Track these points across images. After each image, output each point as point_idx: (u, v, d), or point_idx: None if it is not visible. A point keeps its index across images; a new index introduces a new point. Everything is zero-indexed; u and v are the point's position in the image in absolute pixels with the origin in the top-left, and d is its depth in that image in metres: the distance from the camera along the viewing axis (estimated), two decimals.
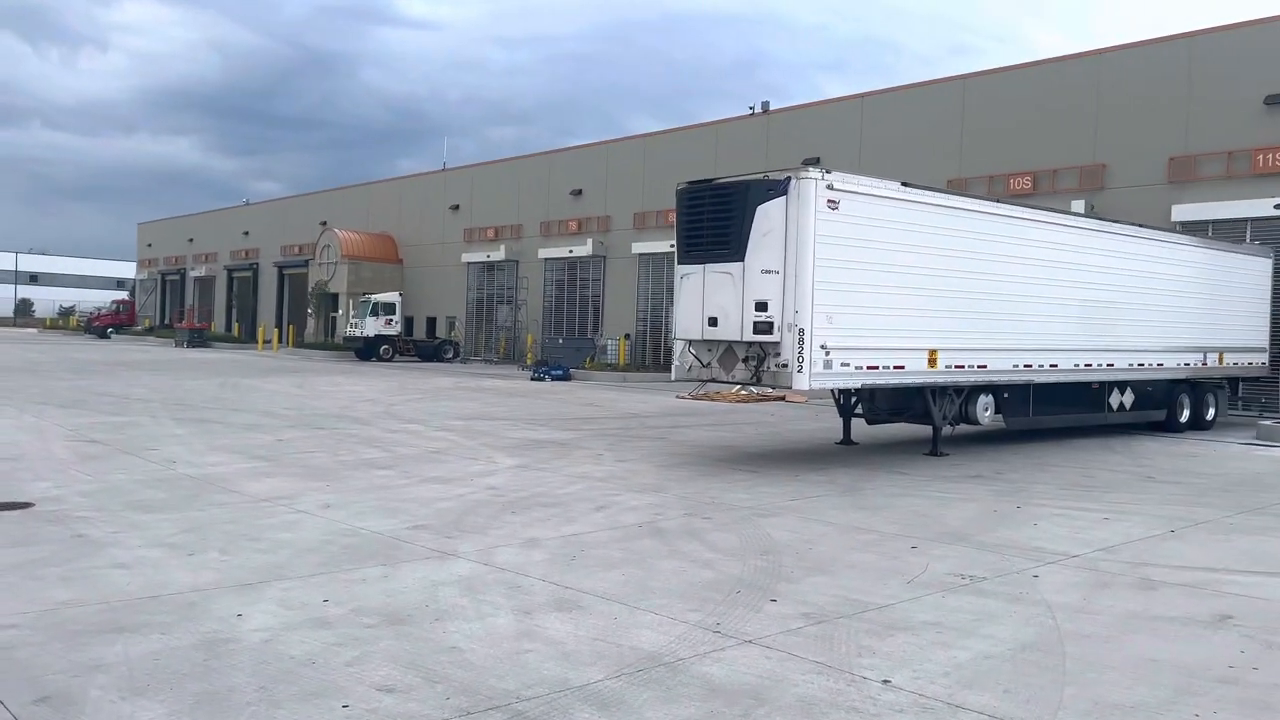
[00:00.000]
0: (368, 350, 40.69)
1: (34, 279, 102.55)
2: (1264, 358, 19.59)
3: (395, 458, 12.22)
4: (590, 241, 39.05)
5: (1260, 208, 21.39)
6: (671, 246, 34.69)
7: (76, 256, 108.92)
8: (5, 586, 5.91)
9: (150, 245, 76.01)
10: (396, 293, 43.95)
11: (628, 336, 36.31)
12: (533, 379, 30.64)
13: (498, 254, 43.57)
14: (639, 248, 37.05)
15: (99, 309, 70.31)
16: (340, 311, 48.11)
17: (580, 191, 40.34)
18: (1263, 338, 19.44)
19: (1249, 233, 21.52)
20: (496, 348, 43.40)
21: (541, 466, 11.74)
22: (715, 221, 11.70)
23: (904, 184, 12.35)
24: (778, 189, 11.20)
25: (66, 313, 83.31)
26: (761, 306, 11.16)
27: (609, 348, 35.92)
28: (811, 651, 5.06)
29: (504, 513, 8.81)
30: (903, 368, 12.33)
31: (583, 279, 40.44)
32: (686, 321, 12.12)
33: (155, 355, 39.88)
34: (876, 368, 11.99)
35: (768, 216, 11.19)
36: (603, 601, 5.95)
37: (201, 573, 6.42)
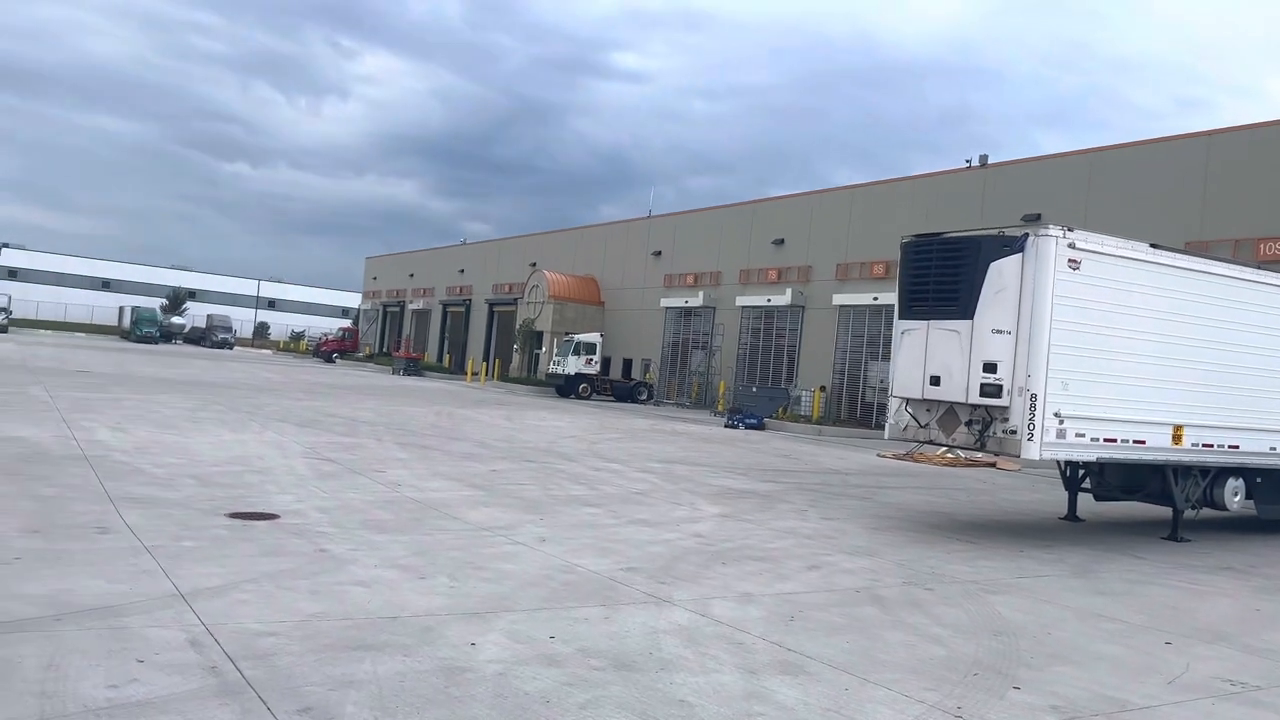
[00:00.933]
0: (568, 387, 41.90)
1: (271, 305, 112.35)
2: None
3: (601, 496, 12.38)
4: (789, 291, 38.79)
5: None
6: (874, 299, 34.35)
7: (308, 285, 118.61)
8: (263, 595, 6.32)
9: (375, 278, 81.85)
10: (598, 333, 45.15)
11: (823, 389, 35.66)
12: (726, 426, 30.55)
13: (695, 300, 44.01)
14: (839, 299, 36.47)
15: (326, 335, 76.11)
16: (544, 349, 49.91)
17: (782, 241, 40.24)
18: None
19: None
20: (689, 392, 43.68)
21: (745, 518, 11.57)
22: (943, 276, 11.26)
23: (1153, 245, 11.50)
24: (1014, 245, 10.66)
25: (297, 337, 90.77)
26: (990, 368, 10.61)
27: (803, 399, 35.39)
28: None
29: (714, 562, 8.70)
30: (1143, 442, 11.38)
31: (779, 328, 40.18)
32: (905, 379, 11.68)
33: (375, 381, 42.62)
34: (1114, 440, 11.11)
35: (1001, 274, 10.66)
36: (829, 669, 5.70)
37: (433, 597, 6.65)
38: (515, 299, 55.89)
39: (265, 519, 8.98)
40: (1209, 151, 26.16)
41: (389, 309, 77.80)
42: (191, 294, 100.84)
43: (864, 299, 35.25)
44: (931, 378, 11.21)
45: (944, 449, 19.31)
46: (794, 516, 12.01)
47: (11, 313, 67.53)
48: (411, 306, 72.87)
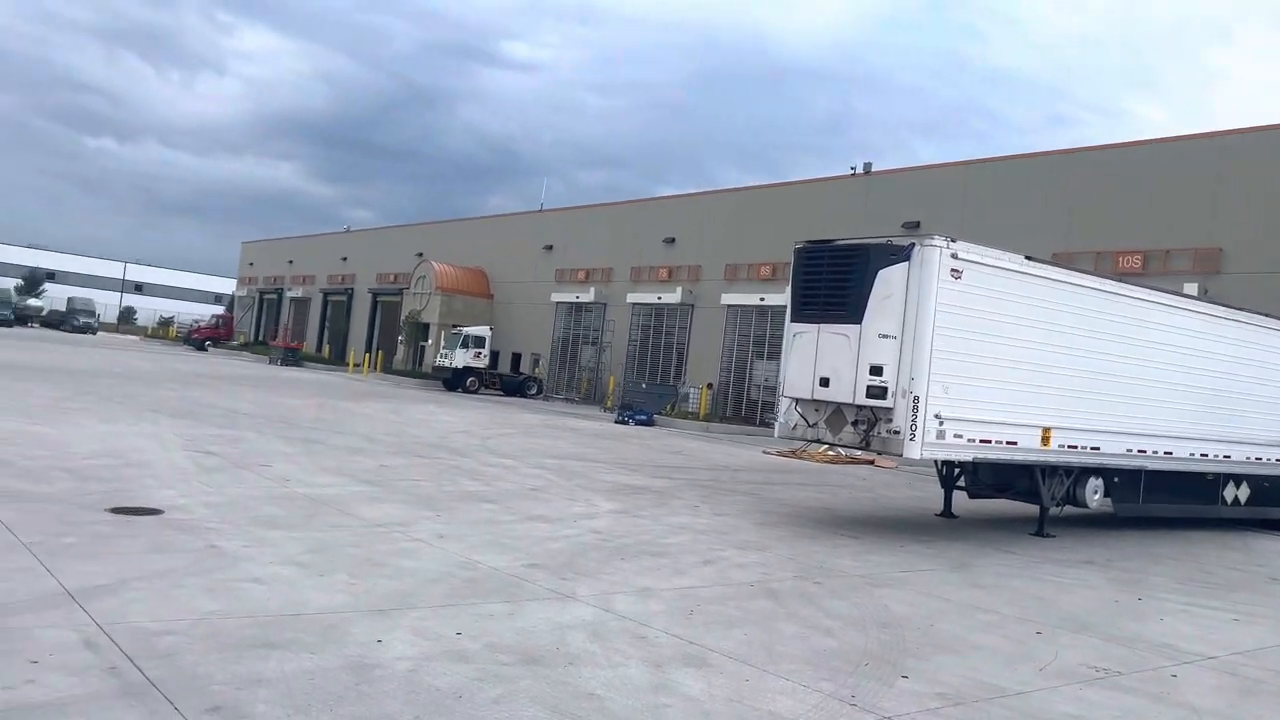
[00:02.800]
0: (455, 381, 41.37)
1: (139, 289, 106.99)
2: None
3: (497, 492, 12.36)
4: (679, 289, 39.30)
5: None
6: (760, 300, 35.16)
7: (179, 270, 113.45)
8: (156, 593, 6.13)
9: (252, 264, 78.88)
10: (487, 327, 44.72)
11: (710, 386, 36.29)
12: (617, 421, 30.77)
13: (587, 295, 44.11)
14: (728, 299, 37.15)
15: (198, 322, 72.91)
16: (430, 341, 49.13)
17: (673, 240, 40.71)
18: None
19: None
20: (578, 387, 43.76)
21: (641, 513, 11.75)
22: (833, 282, 11.68)
23: (1028, 257, 12.19)
24: (901, 254, 11.15)
25: (166, 323, 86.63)
26: (876, 371, 11.07)
27: (691, 396, 35.95)
28: None
29: (613, 558, 8.84)
30: (1015, 443, 12.07)
31: (669, 326, 40.65)
32: (796, 380, 12.07)
33: (252, 371, 41.17)
34: (989, 441, 11.75)
35: (889, 281, 11.13)
36: (730, 661, 5.91)
37: (334, 595, 6.57)
38: (401, 289, 54.79)
39: (149, 514, 8.66)
40: (1074, 167, 27.76)
41: (266, 296, 75.12)
42: (51, 275, 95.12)
43: (751, 299, 36.01)
44: (821, 379, 11.62)
45: (827, 447, 19.97)
46: (687, 512, 12.26)
47: None
48: (290, 294, 70.59)
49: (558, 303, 46.16)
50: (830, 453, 22.53)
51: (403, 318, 52.81)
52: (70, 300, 76.70)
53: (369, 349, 56.79)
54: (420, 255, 53.82)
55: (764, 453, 23.79)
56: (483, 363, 42.76)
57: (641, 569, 8.48)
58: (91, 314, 72.65)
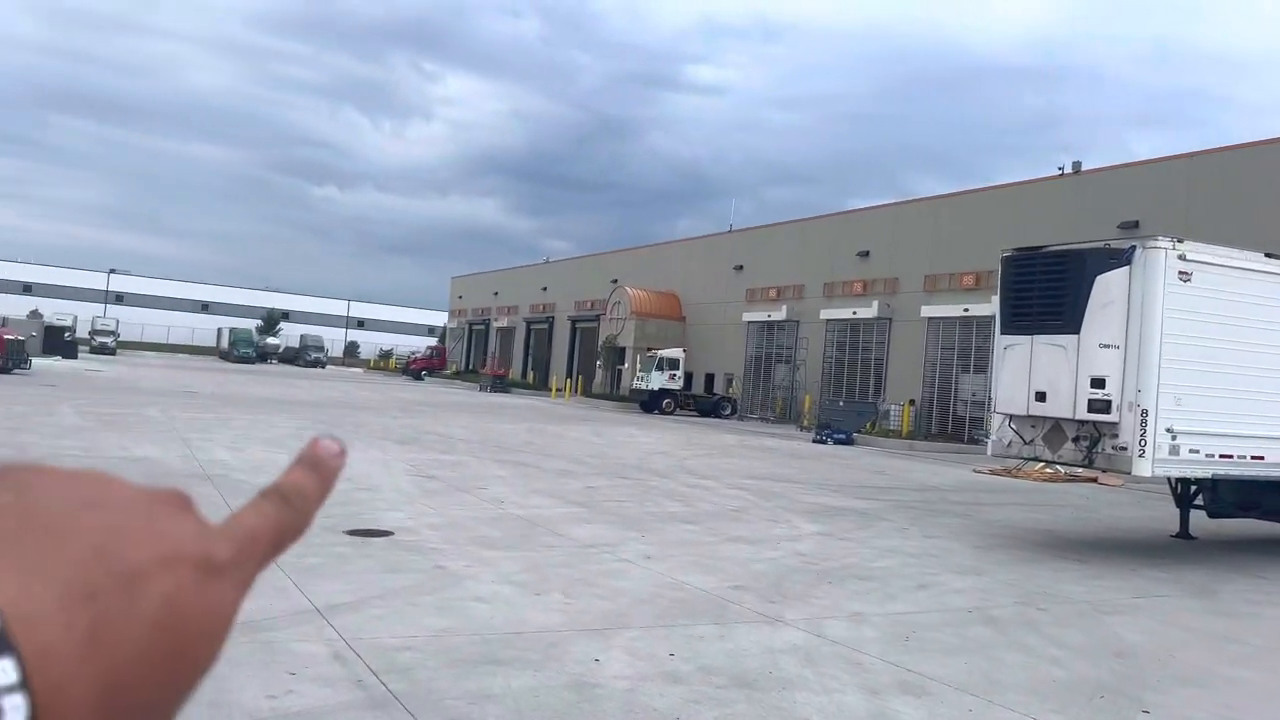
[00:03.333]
0: (651, 403, 42.09)
1: (360, 324, 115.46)
2: None
3: (698, 513, 12.46)
4: (875, 303, 38.37)
5: None
6: (964, 311, 33.76)
7: (395, 305, 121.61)
8: (393, 610, 6.58)
9: (460, 297, 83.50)
10: (681, 349, 45.28)
11: (912, 402, 35.12)
12: (814, 441, 30.34)
13: (778, 314, 43.83)
14: (929, 311, 35.92)
15: (414, 353, 77.89)
16: (626, 365, 50.24)
17: (867, 253, 39.85)
18: None
19: None
20: (773, 407, 43.47)
21: (846, 536, 11.52)
22: (1047, 290, 11.10)
23: (1268, 255, 11.15)
24: (1121, 258, 10.46)
25: (385, 355, 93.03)
26: (1098, 383, 10.41)
27: (892, 413, 34.90)
28: None
29: (820, 581, 8.71)
30: (1262, 458, 11.00)
31: (865, 341, 39.74)
32: (1009, 395, 11.52)
33: (464, 398, 43.48)
34: (1230, 456, 10.77)
35: (1108, 287, 10.47)
36: (951, 690, 5.69)
37: (551, 614, 6.83)
38: (597, 315, 56.42)
39: (381, 535, 9.30)
40: None
41: (474, 327, 79.26)
42: (285, 315, 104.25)
43: (954, 310, 34.68)
44: (1036, 393, 11.04)
45: (1044, 465, 18.88)
46: (895, 535, 11.92)
47: (119, 336, 70.79)
48: (496, 324, 74.12)
49: (749, 322, 46.11)
50: (1048, 471, 21.29)
51: (600, 343, 54.32)
52: (303, 337, 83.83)
53: (569, 374, 58.74)
54: (615, 282, 55.23)
55: (974, 471, 22.77)
56: (677, 384, 43.29)
57: (851, 593, 8.32)
58: (321, 349, 79.14)
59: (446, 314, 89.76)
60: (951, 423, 34.54)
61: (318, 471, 0.51)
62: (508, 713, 4.73)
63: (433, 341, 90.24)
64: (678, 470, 17.98)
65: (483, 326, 77.39)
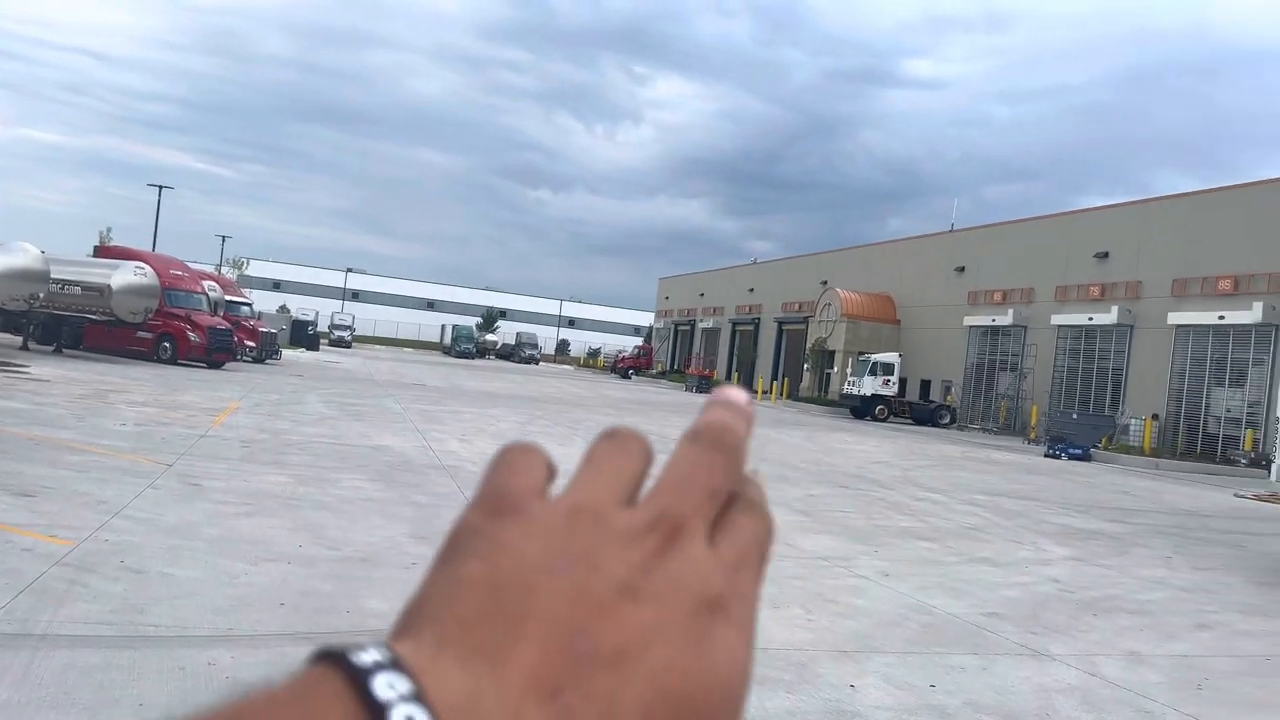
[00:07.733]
0: (863, 409, 40.84)
1: (571, 323, 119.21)
2: None
3: (932, 529, 11.75)
4: (1115, 309, 35.52)
5: None
6: (1219, 318, 30.60)
7: (604, 305, 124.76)
8: None
9: (667, 298, 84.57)
10: (896, 353, 43.69)
11: (1156, 417, 32.21)
12: (1046, 455, 28.37)
13: (1004, 318, 41.47)
14: (1176, 318, 32.87)
15: (622, 352, 79.48)
16: (836, 368, 49.08)
17: (1106, 254, 36.98)
18: None
19: None
20: (996, 417, 41.13)
21: (1100, 562, 10.51)
22: None
23: None
24: None
25: (594, 354, 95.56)
26: None
27: (1132, 428, 32.15)
28: None
29: (1082, 613, 7.92)
30: None
31: (1102, 349, 36.87)
32: None
33: (670, 398, 43.83)
34: None
35: None
36: None
37: (794, 630, 6.49)
38: (805, 317, 55.46)
39: None
40: None
41: (680, 327, 79.98)
42: (502, 313, 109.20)
43: (1207, 318, 31.54)
44: None
45: None
46: (1158, 564, 10.77)
47: (355, 330, 76.35)
48: (701, 325, 74.46)
49: (970, 326, 43.89)
50: None
51: (808, 345, 53.34)
52: (518, 335, 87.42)
53: (775, 376, 58.10)
54: (825, 283, 54.11)
55: (1236, 495, 20.49)
56: (892, 390, 41.79)
57: (1120, 628, 7.50)
58: (535, 347, 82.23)
59: (653, 314, 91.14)
60: (1202, 440, 31.43)
61: (735, 410, 0.39)
62: None
63: (639, 341, 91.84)
64: (901, 481, 17.18)
65: (688, 327, 77.97)
